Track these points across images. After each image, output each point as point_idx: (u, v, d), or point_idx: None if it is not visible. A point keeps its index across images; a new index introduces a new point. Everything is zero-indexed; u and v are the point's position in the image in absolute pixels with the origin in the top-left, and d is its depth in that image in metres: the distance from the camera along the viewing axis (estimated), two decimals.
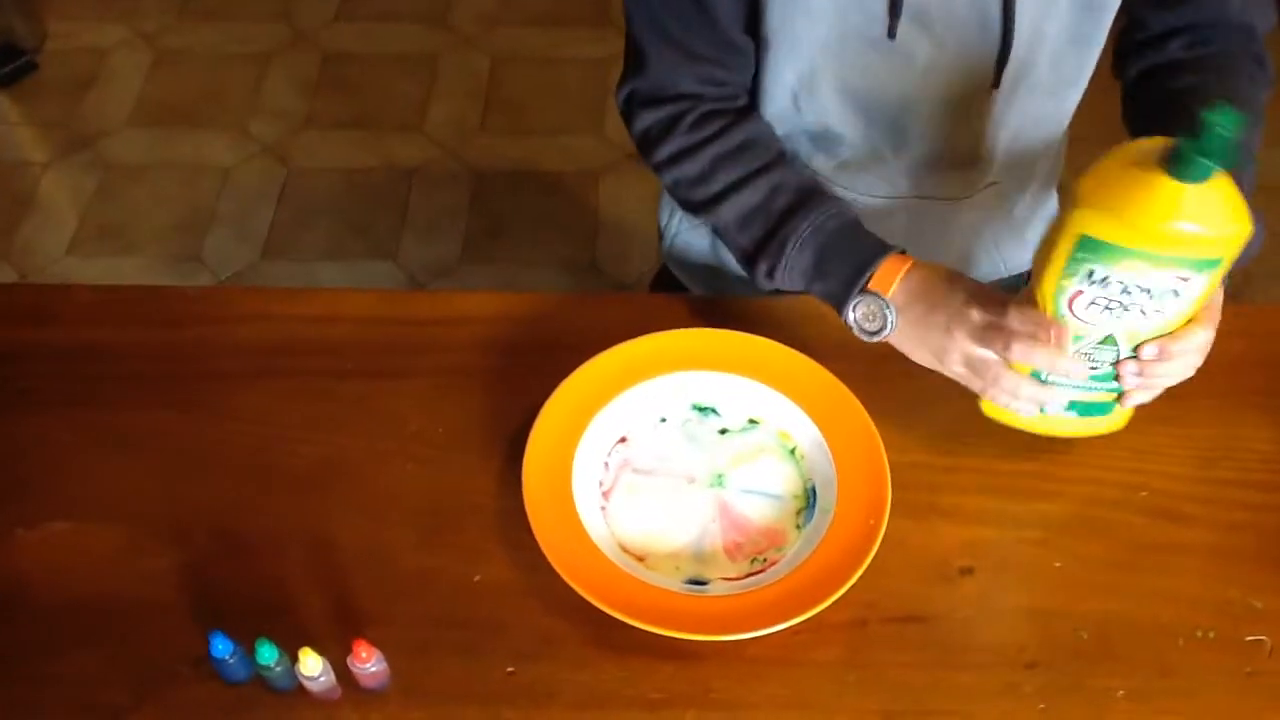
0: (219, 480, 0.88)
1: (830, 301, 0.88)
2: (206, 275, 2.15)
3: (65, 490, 0.88)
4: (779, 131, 0.97)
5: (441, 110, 2.42)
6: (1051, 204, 1.11)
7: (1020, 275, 1.10)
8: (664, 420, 0.90)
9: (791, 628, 0.77)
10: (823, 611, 0.77)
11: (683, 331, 0.91)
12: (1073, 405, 0.82)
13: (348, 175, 2.30)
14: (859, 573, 0.79)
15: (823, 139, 0.97)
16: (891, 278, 0.84)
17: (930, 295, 0.83)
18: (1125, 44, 0.98)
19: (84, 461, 0.89)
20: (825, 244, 0.88)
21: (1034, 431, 0.86)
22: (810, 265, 0.89)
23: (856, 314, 0.86)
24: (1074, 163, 1.10)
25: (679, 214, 1.12)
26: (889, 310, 0.84)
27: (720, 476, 0.87)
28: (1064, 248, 0.72)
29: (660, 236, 1.17)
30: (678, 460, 0.88)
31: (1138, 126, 0.95)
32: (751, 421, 0.90)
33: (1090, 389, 0.80)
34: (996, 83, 0.90)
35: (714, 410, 0.90)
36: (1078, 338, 0.77)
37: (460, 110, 2.43)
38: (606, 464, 0.88)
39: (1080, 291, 0.74)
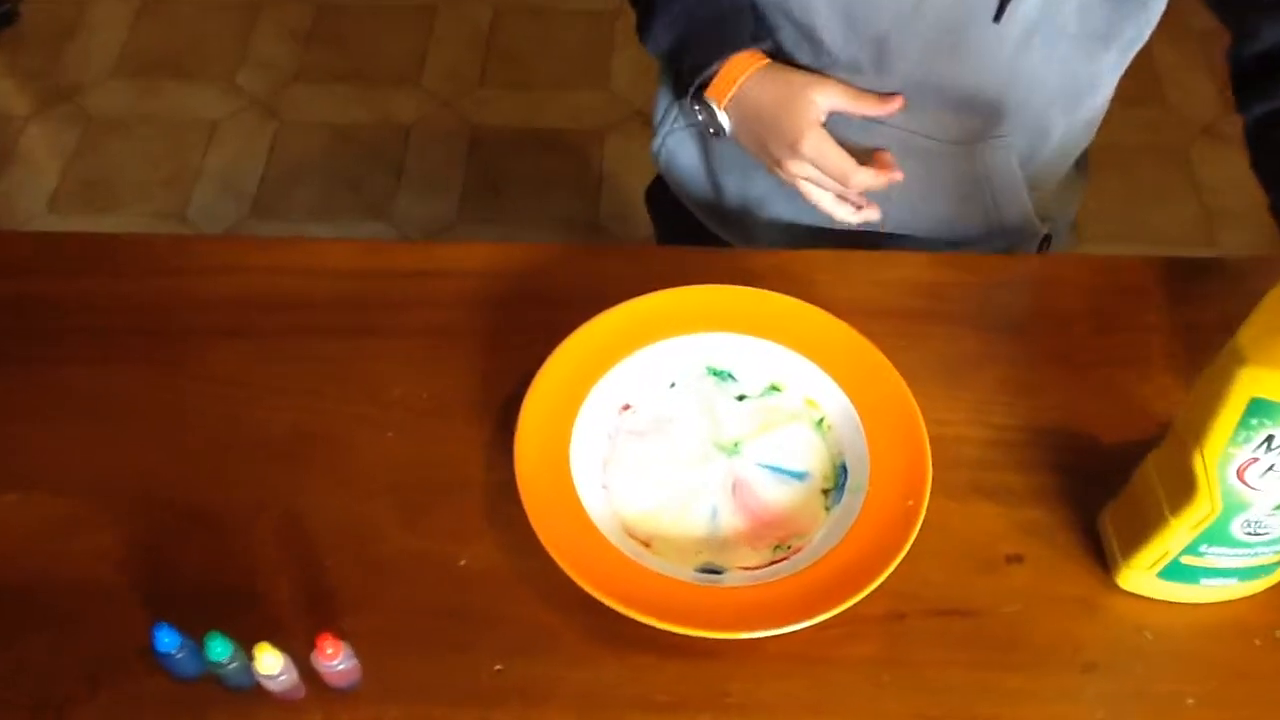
0: (179, 448, 0.79)
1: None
2: (191, 233, 2.06)
3: (9, 458, 0.78)
4: (763, 8, 0.89)
5: (439, 63, 2.32)
6: (1071, 175, 1.01)
7: (1016, 234, 1.00)
8: (674, 386, 0.80)
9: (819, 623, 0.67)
10: (855, 605, 0.68)
11: (696, 288, 0.81)
12: (1234, 572, 0.70)
13: (340, 130, 2.21)
14: (896, 562, 0.69)
15: (807, 34, 0.88)
16: (730, 82, 0.86)
17: (774, 100, 0.85)
18: (1237, 63, 0.87)
19: (31, 426, 0.80)
20: (684, 32, 0.89)
21: (1193, 602, 0.72)
22: (669, 52, 0.90)
23: (698, 116, 0.90)
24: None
25: (673, 112, 1.02)
26: (721, 116, 0.88)
27: (737, 444, 0.77)
28: (1231, 412, 0.61)
29: (654, 134, 1.07)
30: (690, 431, 0.78)
31: (1271, 189, 0.86)
32: (773, 388, 0.80)
33: (1256, 554, 0.69)
34: (998, 16, 0.81)
35: (730, 375, 0.81)
36: (1243, 506, 0.65)
37: (459, 63, 2.32)
38: (609, 435, 0.78)
39: (1254, 460, 0.62)
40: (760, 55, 0.88)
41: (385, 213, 2.07)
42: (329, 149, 2.18)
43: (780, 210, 0.99)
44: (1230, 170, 2.10)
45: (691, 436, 0.78)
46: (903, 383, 0.77)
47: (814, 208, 0.91)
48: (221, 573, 0.73)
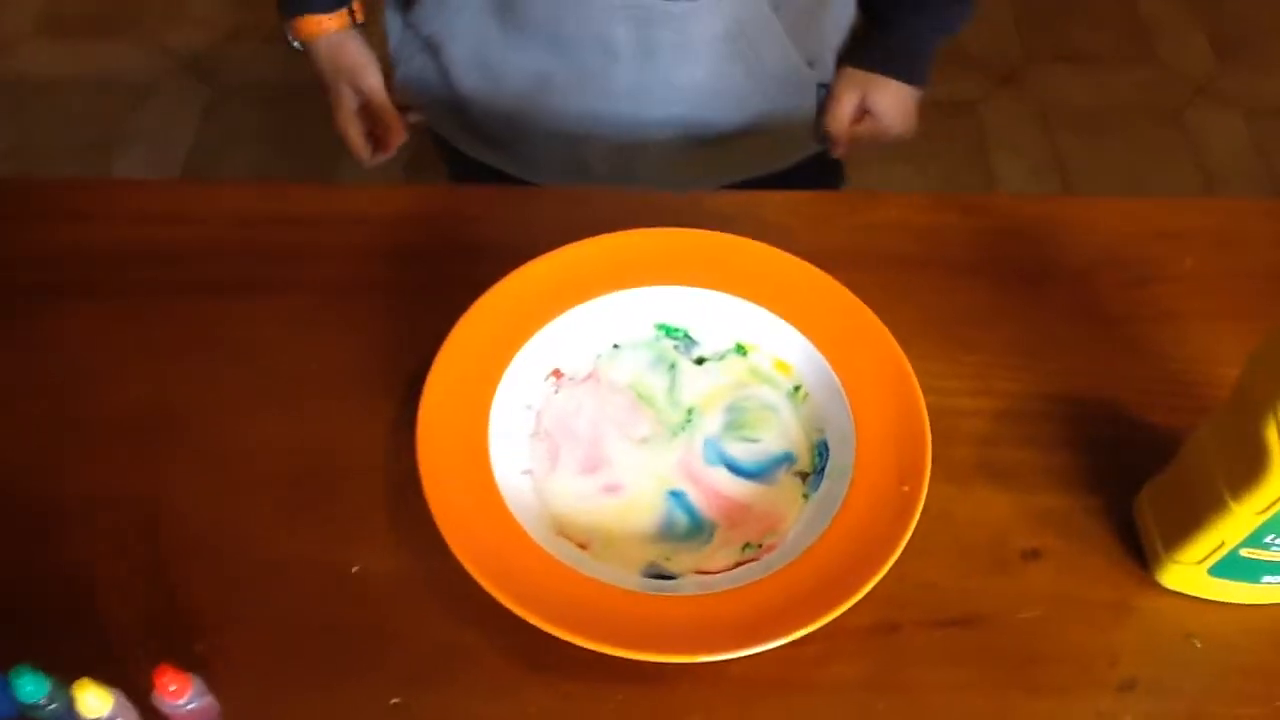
0: (7, 432, 0.64)
1: None
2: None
3: None
4: None
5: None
6: (830, 12, 0.93)
7: (791, 87, 0.92)
8: (617, 348, 0.66)
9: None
10: (840, 615, 0.54)
11: (644, 232, 0.67)
12: None
13: (279, 92, 2.05)
14: (889, 562, 0.56)
15: None
16: (305, 35, 0.92)
17: (324, 72, 0.93)
18: None
19: None
20: None
21: (1252, 603, 0.59)
22: None
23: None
24: None
25: (409, 36, 0.95)
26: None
27: (694, 418, 0.64)
28: None
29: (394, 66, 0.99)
30: (636, 403, 0.64)
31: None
32: (739, 349, 0.66)
33: None
34: None
35: (686, 334, 0.67)
36: None
37: None
38: (537, 409, 0.64)
39: None
40: (334, 20, 0.90)
41: (327, 177, 1.92)
42: (266, 112, 2.03)
43: (542, 118, 0.91)
44: (1228, 130, 1.99)
45: (638, 409, 0.64)
46: (895, 344, 0.63)
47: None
48: (44, 587, 0.59)
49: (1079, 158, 1.94)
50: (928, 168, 1.86)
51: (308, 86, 2.07)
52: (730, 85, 0.88)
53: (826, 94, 0.94)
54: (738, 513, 0.61)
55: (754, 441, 0.63)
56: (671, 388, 0.65)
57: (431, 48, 0.92)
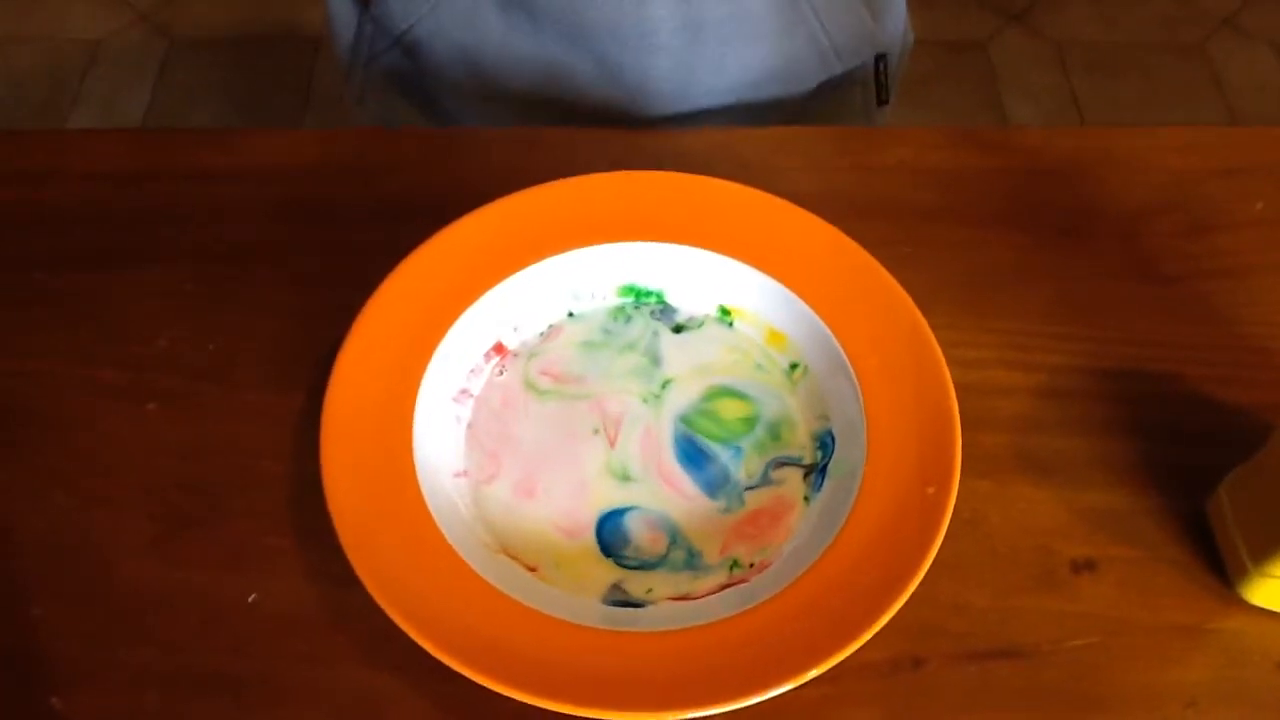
0: None
1: None
2: None
3: None
4: None
5: None
6: None
7: (852, 58, 0.78)
8: (573, 316, 0.55)
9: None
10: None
11: (606, 176, 0.56)
12: None
13: (239, 46, 1.94)
14: (913, 584, 0.44)
15: None
16: None
17: None
18: None
19: None
20: None
21: None
22: None
23: None
24: None
25: None
26: None
27: (668, 404, 0.52)
28: None
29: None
30: (596, 385, 0.53)
31: None
32: (723, 316, 0.55)
33: None
34: None
35: (660, 297, 0.55)
36: None
37: None
38: (476, 399, 0.53)
39: None
40: None
41: None
42: (226, 68, 1.92)
43: (553, 116, 0.76)
44: (1255, 67, 1.87)
45: (599, 393, 0.53)
46: (913, 308, 0.52)
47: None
48: None
49: (1096, 98, 1.82)
50: (933, 113, 1.74)
51: (270, 38, 1.93)
52: (788, 61, 0.75)
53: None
54: (721, 523, 0.49)
55: (740, 434, 0.52)
56: (643, 366, 0.53)
57: (405, 48, 0.77)
